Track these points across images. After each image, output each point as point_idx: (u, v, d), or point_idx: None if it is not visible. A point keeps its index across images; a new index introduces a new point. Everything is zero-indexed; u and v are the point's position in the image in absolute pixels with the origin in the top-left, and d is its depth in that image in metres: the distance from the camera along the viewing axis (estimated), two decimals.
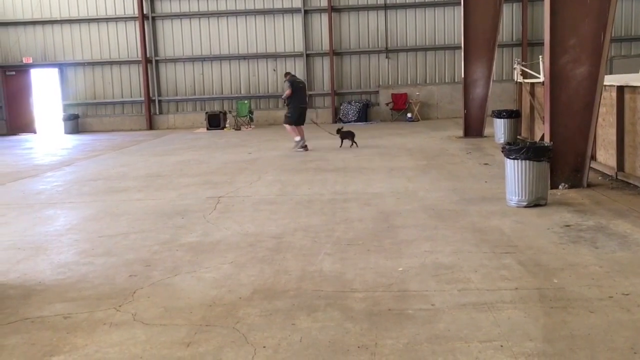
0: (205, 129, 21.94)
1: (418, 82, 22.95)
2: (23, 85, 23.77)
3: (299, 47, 22.91)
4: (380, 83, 23.01)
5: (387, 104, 22.59)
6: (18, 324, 4.42)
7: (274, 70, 23.19)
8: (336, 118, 22.76)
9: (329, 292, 4.81)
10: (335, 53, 22.76)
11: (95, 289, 5.14)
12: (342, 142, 14.47)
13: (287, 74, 14.71)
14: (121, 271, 5.58)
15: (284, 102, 14.54)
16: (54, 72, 23.67)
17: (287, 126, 14.54)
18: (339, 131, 14.64)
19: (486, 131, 15.61)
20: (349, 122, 22.13)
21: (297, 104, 14.30)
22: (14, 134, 23.12)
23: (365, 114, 22.45)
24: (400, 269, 5.32)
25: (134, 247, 6.42)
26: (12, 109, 23.60)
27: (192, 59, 23.28)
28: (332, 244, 6.21)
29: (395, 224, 6.93)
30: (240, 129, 21.56)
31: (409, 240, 6.22)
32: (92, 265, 5.82)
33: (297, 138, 14.26)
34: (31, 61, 23.46)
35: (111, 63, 23.39)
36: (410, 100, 22.49)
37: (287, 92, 14.28)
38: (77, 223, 7.79)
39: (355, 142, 14.39)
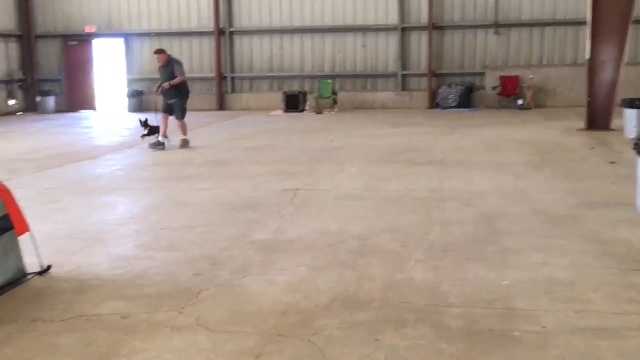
0: (282, 111, 22.20)
1: (532, 63, 22.38)
2: (84, 57, 24.74)
3: (393, 19, 22.79)
4: (487, 63, 22.58)
5: (494, 88, 22.16)
6: (73, 321, 4.60)
7: (363, 45, 23.17)
8: (433, 103, 22.53)
9: (420, 305, 4.77)
10: (435, 27, 22.50)
11: (156, 287, 5.28)
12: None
13: (161, 51, 13.85)
14: (185, 269, 5.72)
15: (167, 92, 13.43)
16: (119, 42, 24.49)
17: (182, 122, 13.76)
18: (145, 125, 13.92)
19: (614, 123, 15.05)
20: (448, 107, 21.87)
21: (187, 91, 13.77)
22: (73, 110, 24.11)
23: (467, 99, 22.12)
24: (505, 282, 5.21)
25: (199, 242, 6.57)
26: (71, 83, 24.60)
27: (271, 31, 23.56)
28: (424, 249, 6.16)
29: (501, 229, 6.81)
30: (321, 112, 21.68)
31: (517, 249, 6.09)
32: (152, 260, 5.99)
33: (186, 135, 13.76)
34: (94, 30, 24.36)
35: (181, 34, 23.98)
36: (522, 85, 21.98)
37: (180, 77, 13.45)
38: (138, 212, 8.05)
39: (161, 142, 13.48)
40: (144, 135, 13.77)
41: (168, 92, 13.38)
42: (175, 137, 13.86)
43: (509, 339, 4.19)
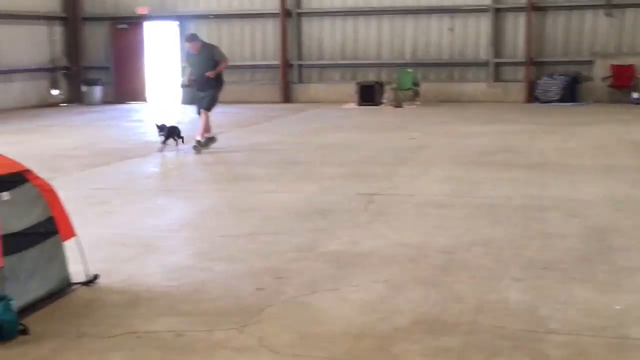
0: (356, 104, 22.23)
1: None
2: (135, 43, 25.29)
3: None
4: (596, 50, 22.10)
5: (604, 79, 21.70)
6: (122, 338, 4.72)
7: (450, 29, 23.00)
8: (532, 96, 22.19)
9: (516, 331, 4.72)
10: (535, 7, 22.16)
11: (215, 302, 5.37)
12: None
13: (195, 37, 13.43)
14: (246, 282, 5.80)
15: (206, 82, 12.97)
16: (173, 26, 24.95)
17: (207, 118, 13.21)
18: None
19: None
20: (549, 101, 21.52)
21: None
22: (121, 102, 24.67)
23: (572, 92, 21.71)
24: (618, 307, 5.12)
25: (262, 252, 6.64)
26: (120, 72, 25.18)
27: (344, 12, 23.63)
28: (521, 267, 6.09)
29: (613, 245, 6.69)
30: (401, 106, 21.61)
31: (632, 269, 5.97)
32: (211, 272, 6.09)
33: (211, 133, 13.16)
34: (146, 12, 24.88)
35: (242, 16, 24.28)
36: (638, 75, 21.44)
37: (225, 61, 13.28)
38: (194, 217, 8.20)
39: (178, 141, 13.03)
40: (164, 142, 12.94)
41: (207, 83, 12.95)
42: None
43: None
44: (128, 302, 5.39)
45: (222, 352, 4.49)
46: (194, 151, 12.55)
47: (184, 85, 13.76)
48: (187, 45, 13.16)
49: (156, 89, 25.73)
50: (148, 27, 25.41)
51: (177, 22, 24.76)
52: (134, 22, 25.18)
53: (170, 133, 12.98)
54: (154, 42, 25.67)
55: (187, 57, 13.31)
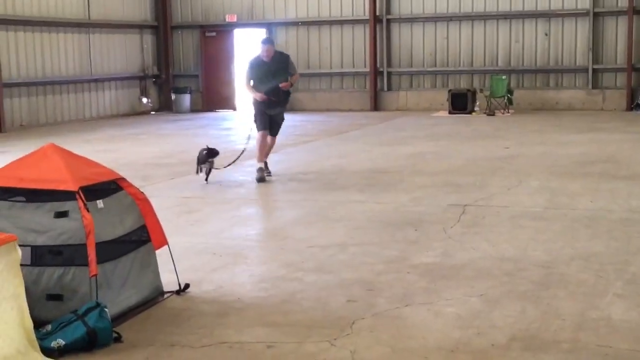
0: (447, 112, 22.06)
1: None
2: (224, 50, 25.72)
3: (583, 1, 22.09)
4: None
5: None
6: (213, 348, 4.79)
7: (546, 34, 22.62)
8: (633, 104, 21.60)
9: (621, 351, 4.60)
10: (637, 11, 21.57)
11: (305, 313, 5.40)
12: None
13: (271, 40, 11.72)
14: (337, 294, 5.80)
15: (280, 96, 11.38)
16: (261, 33, 25.26)
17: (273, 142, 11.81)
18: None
19: None
20: None
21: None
22: (210, 109, 25.11)
23: None
24: None
25: (352, 263, 6.65)
26: (210, 80, 25.64)
27: (435, 18, 23.51)
28: (625, 282, 5.94)
29: None
30: (494, 114, 21.35)
31: None
32: (300, 282, 6.13)
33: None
34: (235, 20, 25.29)
35: (330, 22, 24.41)
36: None
37: (297, 75, 11.70)
38: (283, 227, 8.26)
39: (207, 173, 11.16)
40: (208, 170, 11.23)
41: (281, 97, 11.39)
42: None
43: None
44: (218, 311, 5.47)
45: None
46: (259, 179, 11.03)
47: (255, 103, 11.31)
48: (262, 49, 11.12)
49: (245, 97, 26.03)
50: (237, 34, 25.79)
51: (265, 29, 25.05)
52: (223, 29, 25.61)
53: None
54: (242, 50, 26.01)
55: (254, 66, 11.19)
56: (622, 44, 21.91)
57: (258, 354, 4.70)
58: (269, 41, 11.44)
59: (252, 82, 11.29)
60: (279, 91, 11.21)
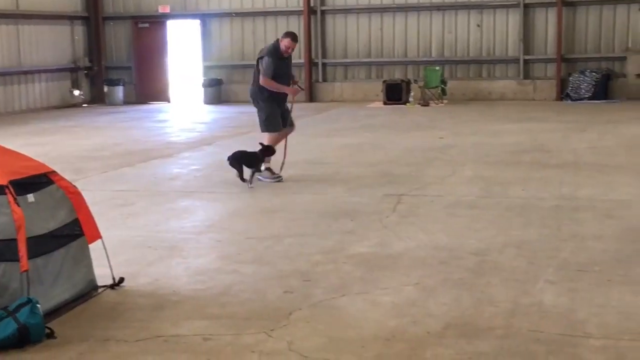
0: (382, 102, 22.19)
1: None
2: (157, 42, 25.40)
3: None
4: (630, 45, 21.90)
5: (637, 76, 21.49)
6: (149, 342, 4.75)
7: (478, 25, 22.91)
8: (562, 93, 22.04)
9: (552, 336, 4.69)
10: (566, 2, 22.01)
11: (242, 305, 5.39)
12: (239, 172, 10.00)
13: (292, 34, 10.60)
14: (274, 285, 5.80)
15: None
16: (195, 24, 25.05)
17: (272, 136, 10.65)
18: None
19: None
20: (581, 99, 21.36)
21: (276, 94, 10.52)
22: (144, 102, 24.79)
23: (604, 89, 21.52)
24: None
25: (289, 255, 6.65)
26: (143, 72, 25.30)
27: (369, 9, 23.59)
28: (556, 269, 6.06)
29: None
30: (428, 105, 21.56)
31: None
32: (237, 274, 6.11)
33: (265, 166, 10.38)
34: (168, 10, 25.00)
35: (265, 14, 24.31)
36: None
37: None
38: (220, 219, 8.22)
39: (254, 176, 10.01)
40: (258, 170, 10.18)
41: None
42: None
43: None
44: (154, 305, 5.42)
45: (250, 357, 4.50)
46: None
47: (269, 102, 10.42)
48: (290, 44, 10.35)
49: (179, 89, 25.83)
50: (170, 25, 25.51)
51: (199, 21, 24.85)
52: (156, 20, 25.30)
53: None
54: (176, 41, 25.77)
55: (277, 60, 10.30)
56: (551, 35, 22.33)
57: (195, 346, 4.68)
58: (296, 36, 10.59)
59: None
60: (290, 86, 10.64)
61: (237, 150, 10.28)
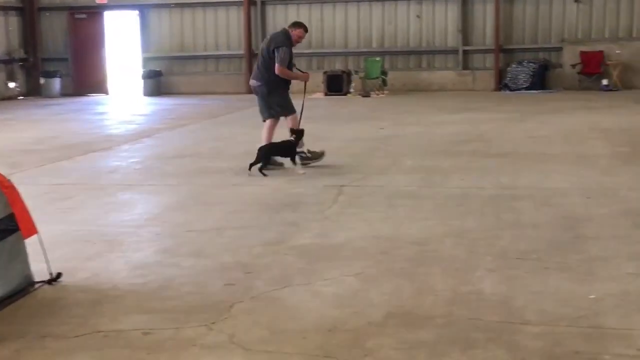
0: (323, 93, 22.22)
1: (620, 35, 22.05)
2: (95, 33, 25.05)
3: None
4: (566, 36, 22.32)
5: (573, 66, 21.91)
6: (88, 337, 4.67)
7: (418, 16, 23.07)
8: (501, 84, 22.34)
9: (492, 323, 4.74)
10: None
11: (183, 299, 5.34)
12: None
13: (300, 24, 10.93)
14: (215, 278, 5.77)
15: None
16: (133, 15, 24.75)
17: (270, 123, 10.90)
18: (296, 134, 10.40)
19: None
20: (519, 89, 21.68)
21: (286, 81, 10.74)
22: (81, 94, 24.42)
23: (541, 79, 21.90)
24: (593, 296, 5.16)
25: (230, 247, 6.62)
26: (80, 63, 24.92)
27: (309, 1, 23.59)
28: (494, 257, 6.12)
29: (585, 234, 6.74)
30: (369, 96, 21.66)
31: (605, 258, 6.02)
32: (178, 267, 6.06)
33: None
34: (106, 1, 24.64)
35: (204, 4, 24.15)
36: (608, 62, 21.69)
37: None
38: (160, 212, 8.14)
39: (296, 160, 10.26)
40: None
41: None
42: None
43: None
44: (93, 300, 5.34)
45: (191, 350, 4.47)
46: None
47: (282, 88, 10.66)
48: (301, 34, 10.61)
49: (118, 81, 25.52)
50: (108, 16, 25.16)
51: (137, 12, 24.56)
52: (93, 11, 24.95)
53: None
54: (114, 32, 25.44)
55: (290, 49, 10.51)
56: (490, 26, 22.63)
57: (135, 341, 4.62)
58: (306, 26, 10.86)
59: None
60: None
61: (265, 144, 10.34)
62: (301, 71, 11.27)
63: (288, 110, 10.77)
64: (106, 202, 8.63)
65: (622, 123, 14.33)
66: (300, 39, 10.67)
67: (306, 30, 10.76)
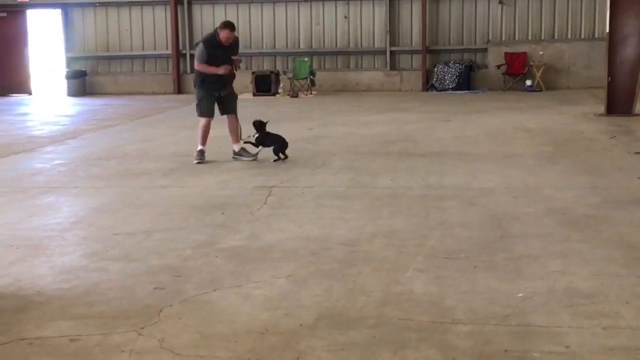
0: (252, 94, 22.15)
1: (543, 37, 22.55)
2: (16, 32, 24.50)
3: None
4: (490, 38, 22.71)
5: (498, 67, 22.30)
6: (12, 345, 4.55)
7: (345, 17, 23.19)
8: (428, 84, 22.60)
9: (422, 323, 4.77)
10: None
11: (110, 303, 5.24)
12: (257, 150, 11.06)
13: (233, 26, 11.05)
14: (143, 282, 5.68)
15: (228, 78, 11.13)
16: (56, 14, 24.27)
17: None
18: (258, 126, 11.12)
19: (638, 107, 15.21)
20: (446, 89, 21.97)
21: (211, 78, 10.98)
22: (4, 94, 23.87)
23: (467, 80, 22.23)
24: (520, 294, 5.23)
25: (159, 250, 6.53)
26: (1, 63, 24.34)
27: (236, 0, 23.47)
28: (424, 257, 6.17)
29: (512, 233, 6.84)
30: (297, 96, 21.68)
31: (532, 256, 6.12)
32: (105, 272, 5.94)
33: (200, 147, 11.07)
34: (27, 0, 24.13)
35: (130, 4, 23.85)
36: (531, 63, 22.13)
37: (239, 57, 11.26)
38: (85, 215, 7.98)
39: (283, 155, 10.89)
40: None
41: (230, 80, 11.19)
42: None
43: None
44: (16, 306, 5.20)
45: (120, 356, 4.38)
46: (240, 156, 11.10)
47: (203, 87, 10.98)
48: (227, 34, 10.72)
49: (41, 80, 25.01)
50: (30, 15, 24.63)
51: (60, 10, 24.10)
52: (14, 10, 24.38)
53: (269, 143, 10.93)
54: (37, 31, 24.91)
55: (209, 48, 10.79)
56: (416, 27, 22.87)
57: (61, 348, 4.51)
58: (233, 26, 11.03)
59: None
60: (229, 75, 11.10)
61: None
62: (237, 66, 11.28)
63: (198, 111, 11.29)
64: (29, 205, 8.42)
65: (545, 123, 14.63)
66: (227, 39, 10.78)
67: (232, 30, 10.89)
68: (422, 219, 7.41)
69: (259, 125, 11.05)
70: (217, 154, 11.45)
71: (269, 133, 11.09)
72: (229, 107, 11.35)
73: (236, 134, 11.36)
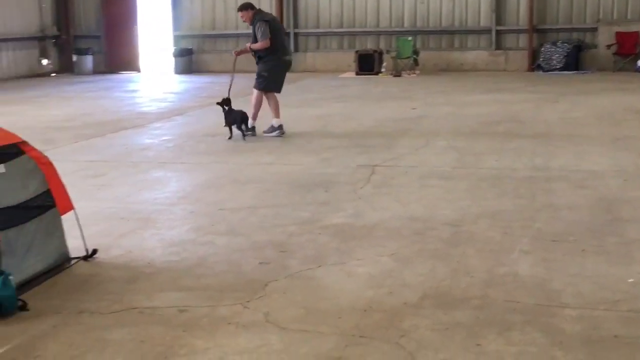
0: (355, 73, 22.15)
1: None
2: (127, 11, 25.12)
3: None
4: (601, 16, 22.00)
5: (608, 47, 21.61)
6: (124, 314, 4.70)
7: None
8: (534, 64, 22.11)
9: (528, 305, 4.71)
10: None
11: (217, 277, 5.36)
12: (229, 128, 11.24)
13: (245, 7, 11.70)
14: (249, 256, 5.78)
15: (255, 55, 11.72)
16: None
17: (255, 93, 11.81)
18: (223, 104, 11.32)
19: None
20: (552, 70, 21.45)
21: (280, 55, 11.65)
22: (114, 71, 24.55)
23: (575, 60, 21.62)
24: (631, 280, 5.11)
25: (264, 225, 6.62)
26: (112, 41, 25.04)
27: None
28: (530, 239, 6.08)
29: (623, 217, 6.66)
30: (400, 75, 21.55)
31: None
32: (212, 245, 6.07)
33: (275, 121, 11.56)
34: None
35: None
36: None
37: (261, 42, 11.39)
38: (192, 190, 8.16)
39: (245, 131, 11.18)
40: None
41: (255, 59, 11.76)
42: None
43: (638, 347, 4.11)
44: (128, 277, 5.37)
45: (226, 328, 4.47)
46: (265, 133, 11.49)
47: (279, 63, 11.70)
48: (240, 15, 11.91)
49: (150, 58, 25.59)
50: None
51: None
52: None
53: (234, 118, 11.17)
54: (146, 10, 25.48)
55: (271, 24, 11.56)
56: (523, 6, 22.34)
57: (170, 318, 4.64)
58: (242, 7, 11.80)
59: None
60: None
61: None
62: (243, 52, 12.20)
63: (276, 87, 11.85)
64: (139, 179, 8.67)
65: None
66: (242, 20, 11.91)
67: (239, 10, 11.88)
68: (528, 201, 7.29)
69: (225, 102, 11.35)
70: (314, 132, 11.49)
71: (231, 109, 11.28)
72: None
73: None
